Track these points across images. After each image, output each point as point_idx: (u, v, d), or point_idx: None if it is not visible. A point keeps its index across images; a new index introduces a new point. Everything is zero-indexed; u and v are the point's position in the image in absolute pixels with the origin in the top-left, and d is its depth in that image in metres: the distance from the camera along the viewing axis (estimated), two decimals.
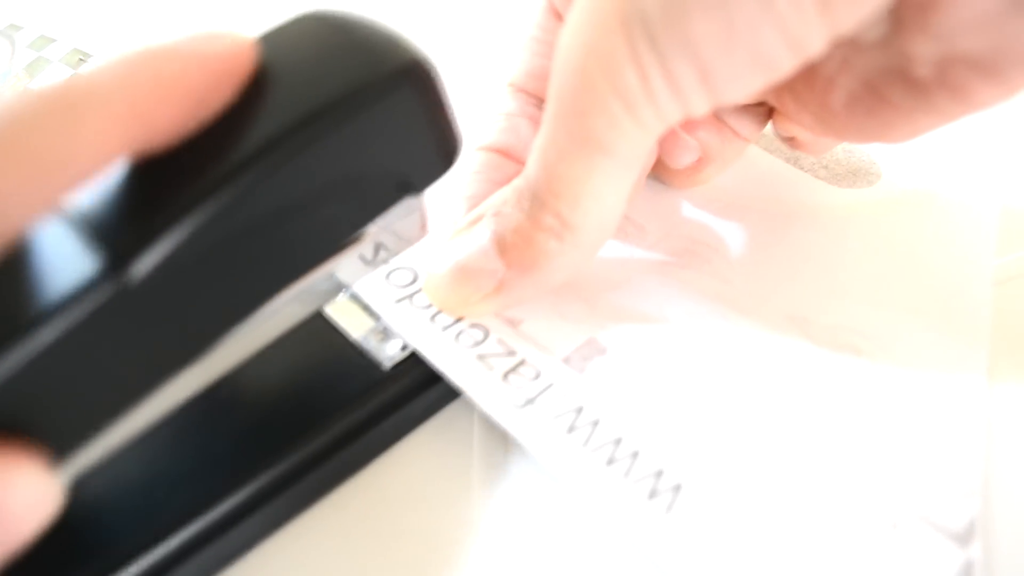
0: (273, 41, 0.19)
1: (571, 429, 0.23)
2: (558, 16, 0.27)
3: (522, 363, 0.24)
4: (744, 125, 0.27)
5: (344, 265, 0.23)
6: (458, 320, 0.25)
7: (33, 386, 0.16)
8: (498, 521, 0.23)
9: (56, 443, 0.17)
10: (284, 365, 0.25)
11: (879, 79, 0.21)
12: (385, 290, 0.26)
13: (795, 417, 0.23)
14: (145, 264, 0.16)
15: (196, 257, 0.17)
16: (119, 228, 0.16)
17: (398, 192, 0.21)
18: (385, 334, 0.25)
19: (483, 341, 0.25)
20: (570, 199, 0.22)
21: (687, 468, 0.22)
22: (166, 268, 0.16)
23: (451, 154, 0.21)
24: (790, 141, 0.28)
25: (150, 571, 0.21)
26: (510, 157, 0.27)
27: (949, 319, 0.26)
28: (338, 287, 0.26)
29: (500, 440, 0.24)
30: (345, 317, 0.26)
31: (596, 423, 0.23)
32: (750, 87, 0.20)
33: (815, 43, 0.19)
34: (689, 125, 0.26)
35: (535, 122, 0.27)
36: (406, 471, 0.24)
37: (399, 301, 0.26)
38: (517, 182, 0.24)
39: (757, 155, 0.31)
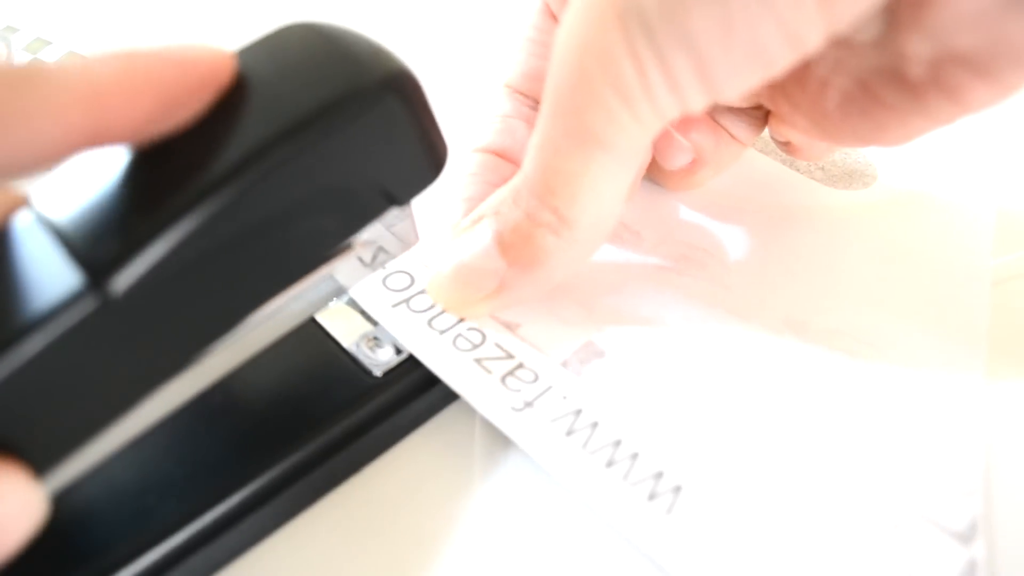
0: (256, 52, 0.19)
1: (570, 432, 0.23)
2: (554, 17, 0.27)
3: (520, 366, 0.24)
4: (740, 129, 0.27)
5: (342, 269, 0.23)
6: (455, 324, 0.25)
7: (14, 400, 0.16)
8: (498, 522, 0.23)
9: (40, 456, 0.17)
10: (276, 371, 0.24)
11: (873, 79, 0.21)
12: (381, 295, 0.26)
13: (794, 418, 0.23)
14: (126, 278, 0.16)
15: (179, 270, 0.17)
16: (100, 241, 0.16)
17: (384, 203, 0.21)
18: (377, 340, 0.25)
19: (481, 344, 0.25)
20: (567, 195, 0.22)
21: (687, 469, 0.22)
22: (147, 282, 0.16)
23: (437, 165, 0.21)
24: (786, 146, 0.28)
25: (148, 572, 0.21)
26: (506, 158, 0.27)
27: (947, 320, 0.26)
28: (335, 291, 0.26)
29: (500, 442, 0.24)
30: (337, 323, 0.26)
31: (595, 425, 0.23)
32: (747, 83, 0.20)
33: (813, 39, 0.19)
34: (683, 126, 0.26)
35: (531, 123, 0.27)
36: (406, 472, 0.24)
37: (395, 305, 0.26)
38: (515, 181, 0.24)
39: (753, 157, 0.31)
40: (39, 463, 0.17)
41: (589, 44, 0.20)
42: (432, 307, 0.25)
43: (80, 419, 0.17)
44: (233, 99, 0.18)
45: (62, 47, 0.38)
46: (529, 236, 0.23)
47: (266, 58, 0.19)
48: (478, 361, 0.24)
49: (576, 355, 0.24)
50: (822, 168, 0.31)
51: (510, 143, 0.27)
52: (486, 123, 0.28)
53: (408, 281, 0.26)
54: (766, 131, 0.28)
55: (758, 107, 0.26)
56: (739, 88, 0.20)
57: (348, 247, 0.21)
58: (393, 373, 0.24)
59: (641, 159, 0.22)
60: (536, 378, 0.24)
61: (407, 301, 0.26)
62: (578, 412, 0.23)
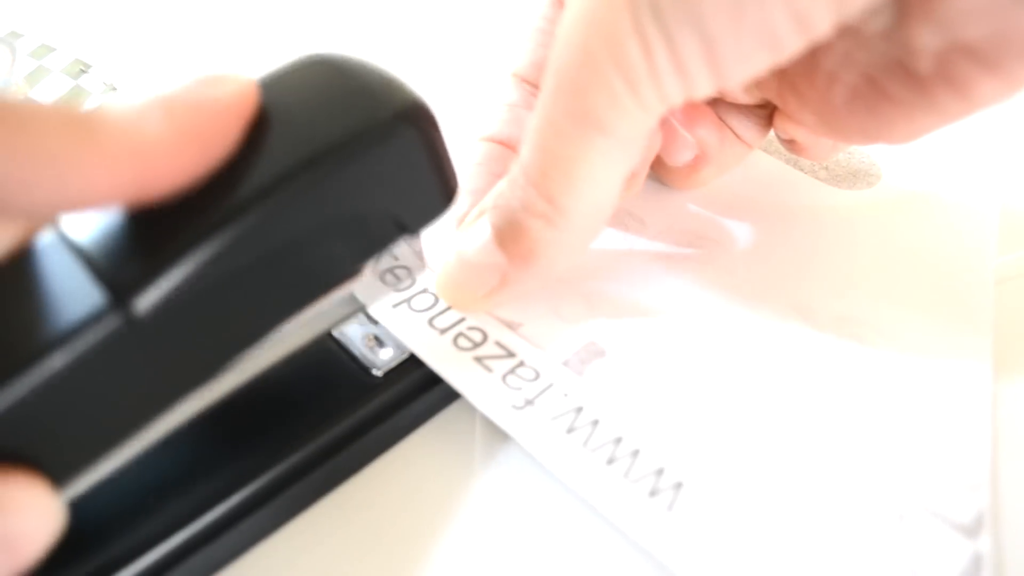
0: (276, 83, 0.19)
1: (571, 429, 0.22)
2: (563, 6, 0.27)
3: (521, 364, 0.24)
4: (745, 128, 0.27)
5: (363, 288, 0.23)
6: (456, 323, 0.25)
7: (38, 415, 0.16)
8: (498, 522, 0.22)
9: (60, 469, 0.17)
10: (277, 371, 0.25)
11: (881, 73, 0.21)
12: (382, 294, 0.26)
13: (798, 411, 0.23)
14: (149, 298, 0.16)
15: (199, 292, 0.17)
16: (123, 263, 0.17)
17: (396, 232, 0.21)
18: (378, 340, 0.25)
19: (482, 343, 0.24)
20: (563, 180, 0.22)
21: (688, 465, 0.22)
22: (169, 303, 0.17)
23: (448, 196, 0.21)
24: (791, 144, 0.27)
25: (147, 572, 0.21)
26: (513, 148, 0.27)
27: (953, 314, 0.25)
28: (347, 305, 0.26)
29: (501, 441, 0.24)
30: (338, 323, 0.26)
31: (596, 423, 0.23)
32: (754, 68, 0.20)
33: (822, 24, 0.19)
34: (689, 122, 0.26)
35: None
36: (407, 472, 0.24)
37: (396, 305, 0.26)
38: (511, 170, 0.23)
39: (757, 157, 0.31)
40: (59, 476, 0.17)
41: (595, 24, 0.20)
42: (433, 306, 0.25)
43: (100, 434, 0.18)
44: (255, 129, 0.18)
45: (67, 54, 0.39)
46: (524, 229, 0.23)
47: (285, 89, 0.19)
48: (479, 360, 0.24)
49: (577, 355, 0.24)
50: (826, 168, 0.31)
51: (517, 132, 0.27)
52: (493, 112, 0.27)
53: (409, 281, 0.26)
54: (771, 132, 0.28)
55: (764, 106, 0.26)
56: (745, 73, 0.20)
57: (357, 272, 0.21)
58: (394, 373, 0.24)
59: (640, 148, 0.22)
60: (537, 376, 0.24)
61: (408, 301, 0.26)
62: (579, 410, 0.23)
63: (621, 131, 0.21)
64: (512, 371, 0.24)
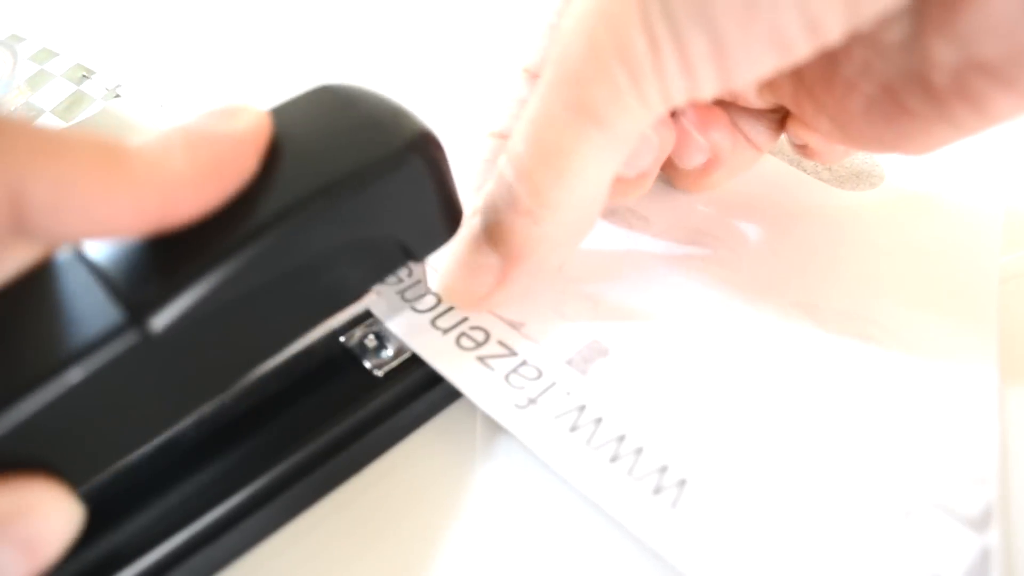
0: (288, 113, 0.20)
1: (574, 428, 0.22)
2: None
3: (523, 363, 0.24)
4: (758, 133, 0.27)
5: (380, 304, 0.24)
6: (459, 323, 0.25)
7: (57, 425, 0.17)
8: (500, 521, 0.22)
9: (79, 475, 0.18)
10: (278, 371, 0.24)
11: (899, 85, 0.21)
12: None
13: (802, 407, 0.23)
14: (164, 318, 0.17)
15: (214, 311, 0.18)
16: (140, 282, 0.17)
17: (403, 257, 0.22)
18: (379, 341, 0.25)
19: (484, 343, 0.24)
20: (553, 172, 0.21)
21: (691, 462, 0.22)
22: (184, 321, 0.17)
23: (453, 225, 0.22)
24: (802, 149, 0.27)
25: (148, 572, 0.21)
26: None
27: (957, 312, 0.25)
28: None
29: (502, 440, 0.24)
30: (339, 323, 0.26)
31: (599, 421, 0.22)
32: (762, 68, 0.19)
33: (833, 28, 0.18)
34: (702, 125, 0.26)
35: None
36: (407, 472, 0.24)
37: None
38: (499, 165, 0.23)
39: (763, 158, 0.31)
40: (77, 481, 0.17)
41: (602, 16, 0.19)
42: (435, 307, 0.25)
43: (116, 442, 0.19)
44: (269, 158, 0.19)
45: (68, 59, 0.39)
46: (510, 227, 0.22)
47: (296, 120, 0.20)
48: (481, 359, 0.24)
49: (580, 353, 0.24)
50: (829, 169, 0.31)
51: None
52: (501, 107, 0.27)
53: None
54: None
55: (776, 110, 0.26)
56: (752, 74, 0.19)
57: (364, 294, 0.22)
58: (395, 373, 0.24)
59: (631, 148, 0.22)
60: (539, 375, 0.24)
61: (412, 302, 0.26)
62: (582, 408, 0.23)
63: (618, 127, 0.21)
64: (515, 370, 0.24)
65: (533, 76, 0.27)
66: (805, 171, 0.31)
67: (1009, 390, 0.24)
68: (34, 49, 0.39)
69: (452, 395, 0.25)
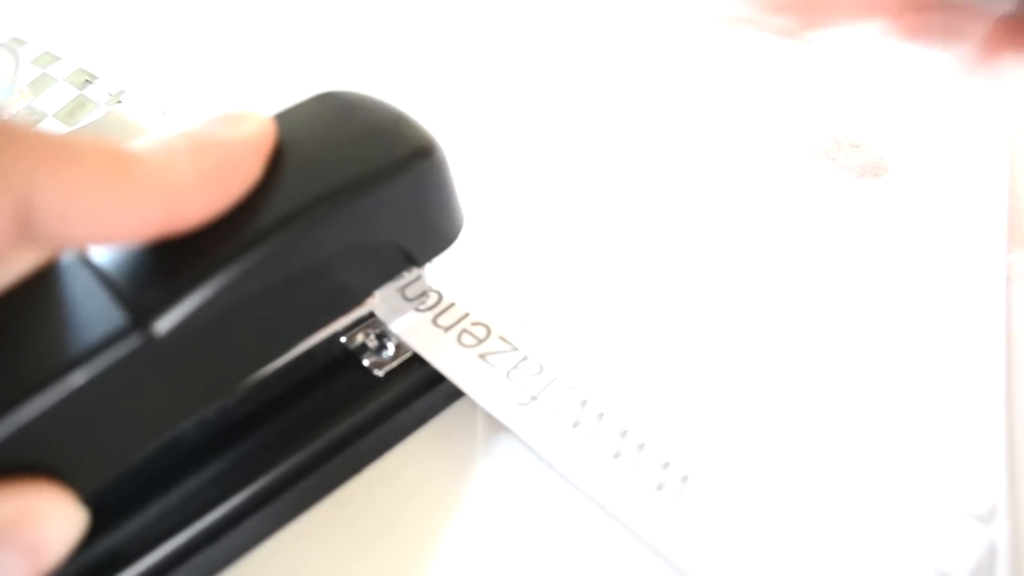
0: (291, 119, 0.20)
1: (576, 424, 0.22)
2: None
3: (524, 359, 0.24)
4: None
5: (383, 306, 0.24)
6: (460, 320, 0.25)
7: (61, 429, 0.17)
8: (501, 521, 0.22)
9: (83, 479, 0.18)
10: (280, 371, 0.24)
11: None
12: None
13: (807, 401, 0.23)
14: (168, 322, 0.17)
15: (218, 315, 0.18)
16: (144, 286, 0.17)
17: (404, 263, 0.22)
18: (380, 340, 0.25)
19: (485, 339, 0.24)
20: None
21: (694, 458, 0.21)
22: (188, 325, 0.17)
23: (455, 231, 0.22)
24: None
25: (149, 572, 0.21)
26: None
27: (964, 306, 0.25)
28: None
29: (503, 439, 0.24)
30: (340, 323, 0.25)
31: (601, 416, 0.22)
32: None
33: None
34: None
35: None
36: (408, 472, 0.24)
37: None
38: None
39: (763, 145, 0.31)
40: (81, 484, 0.17)
41: None
42: (436, 304, 0.25)
43: (120, 445, 0.18)
44: (273, 164, 0.19)
45: (71, 63, 0.39)
46: None
47: (300, 126, 0.20)
48: (483, 356, 0.24)
49: (581, 348, 0.24)
50: (834, 159, 0.31)
51: None
52: None
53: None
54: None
55: None
56: None
57: (364, 299, 0.23)
58: (395, 372, 0.24)
59: None
60: (541, 370, 0.23)
61: (411, 300, 0.25)
62: (584, 403, 0.23)
63: None
64: (516, 366, 0.24)
65: None
66: (809, 160, 0.30)
67: (1016, 386, 0.23)
68: (36, 53, 0.39)
69: (453, 395, 0.25)
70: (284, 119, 0.20)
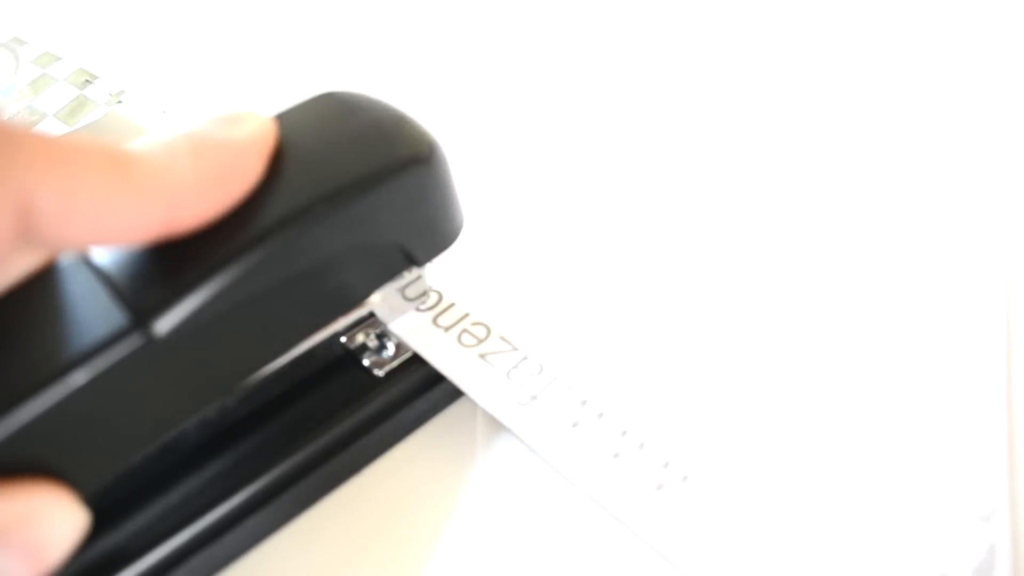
0: (291, 120, 0.20)
1: (576, 424, 0.22)
2: None
3: (525, 359, 0.24)
4: None
5: (383, 306, 0.24)
6: (460, 319, 0.25)
7: (62, 429, 0.17)
8: (501, 520, 0.22)
9: (84, 479, 0.18)
10: (280, 371, 0.24)
11: None
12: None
13: (808, 401, 0.23)
14: (168, 322, 0.17)
15: (218, 315, 0.18)
16: (145, 286, 0.17)
17: (404, 263, 0.22)
18: (380, 340, 0.25)
19: (486, 339, 0.24)
20: None
21: (694, 458, 0.21)
22: (187, 326, 0.17)
23: (455, 232, 0.23)
24: None
25: (149, 572, 0.21)
26: None
27: (964, 309, 0.25)
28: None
29: (503, 439, 0.24)
30: (340, 323, 0.25)
31: (601, 416, 0.22)
32: None
33: None
34: None
35: None
36: (408, 472, 0.24)
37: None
38: None
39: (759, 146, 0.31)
40: (82, 485, 0.17)
41: None
42: (436, 304, 0.25)
43: (121, 445, 0.18)
44: (273, 164, 0.19)
45: (71, 63, 0.39)
46: None
47: (301, 126, 0.20)
48: (483, 356, 0.24)
49: (581, 348, 0.24)
50: (834, 159, 0.31)
51: None
52: None
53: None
54: None
55: None
56: None
57: (365, 299, 0.23)
58: (395, 372, 0.24)
59: None
60: (541, 370, 0.23)
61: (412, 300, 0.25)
62: (584, 402, 0.23)
63: None
64: (516, 366, 0.24)
65: None
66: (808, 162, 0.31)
67: (1016, 387, 0.23)
68: (37, 53, 0.39)
69: (453, 394, 0.25)
70: (284, 119, 0.20)
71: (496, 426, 0.24)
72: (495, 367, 0.24)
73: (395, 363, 0.24)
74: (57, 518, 0.17)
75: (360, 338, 0.25)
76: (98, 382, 0.16)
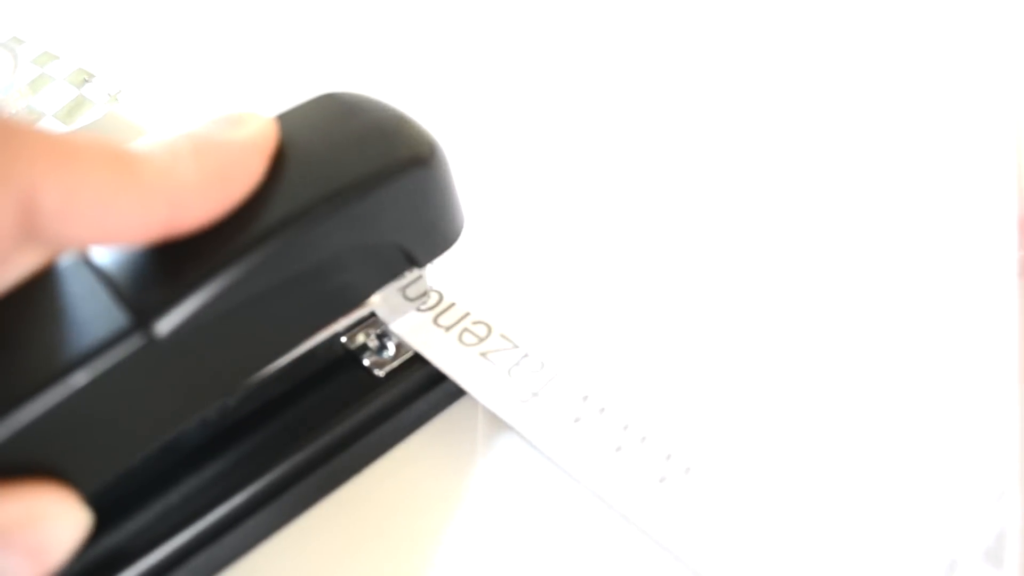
0: (292, 121, 0.20)
1: (577, 419, 0.22)
2: None
3: (525, 356, 0.24)
4: None
5: (384, 306, 0.24)
6: (461, 319, 0.25)
7: (63, 429, 0.17)
8: (502, 520, 0.22)
9: (86, 480, 0.18)
10: (280, 371, 0.24)
11: None
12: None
13: (811, 393, 0.23)
14: (169, 322, 0.17)
15: (219, 315, 0.18)
16: (146, 287, 0.18)
17: (405, 264, 0.22)
18: (381, 340, 0.25)
19: (487, 337, 0.24)
20: None
21: (696, 451, 0.21)
22: (188, 327, 0.17)
23: (456, 232, 0.23)
24: None
25: (151, 571, 0.21)
26: None
27: (976, 299, 0.25)
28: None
29: (504, 438, 0.24)
30: (340, 323, 0.25)
31: (602, 410, 0.22)
32: None
33: None
34: None
35: None
36: (409, 472, 0.24)
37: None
38: None
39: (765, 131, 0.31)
40: (84, 486, 0.17)
41: None
42: (437, 304, 0.25)
43: (122, 446, 0.18)
44: (275, 165, 0.19)
45: (70, 63, 0.39)
46: None
47: (302, 127, 0.20)
48: (483, 354, 0.24)
49: (581, 343, 0.24)
50: (843, 153, 0.30)
51: None
52: None
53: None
54: None
55: None
56: None
57: (365, 300, 0.23)
58: (396, 372, 0.24)
59: None
60: (542, 366, 0.23)
61: (412, 300, 0.25)
62: (585, 398, 0.23)
63: None
64: (517, 363, 0.24)
65: None
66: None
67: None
68: (35, 52, 0.39)
69: (454, 394, 0.25)
70: (286, 120, 0.20)
71: (497, 425, 0.24)
72: (496, 365, 0.24)
73: (396, 363, 0.24)
74: (59, 518, 0.17)
75: (361, 338, 0.25)
76: (99, 383, 0.16)
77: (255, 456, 0.22)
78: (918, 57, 0.35)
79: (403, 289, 0.24)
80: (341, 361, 0.24)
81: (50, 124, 0.36)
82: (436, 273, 0.26)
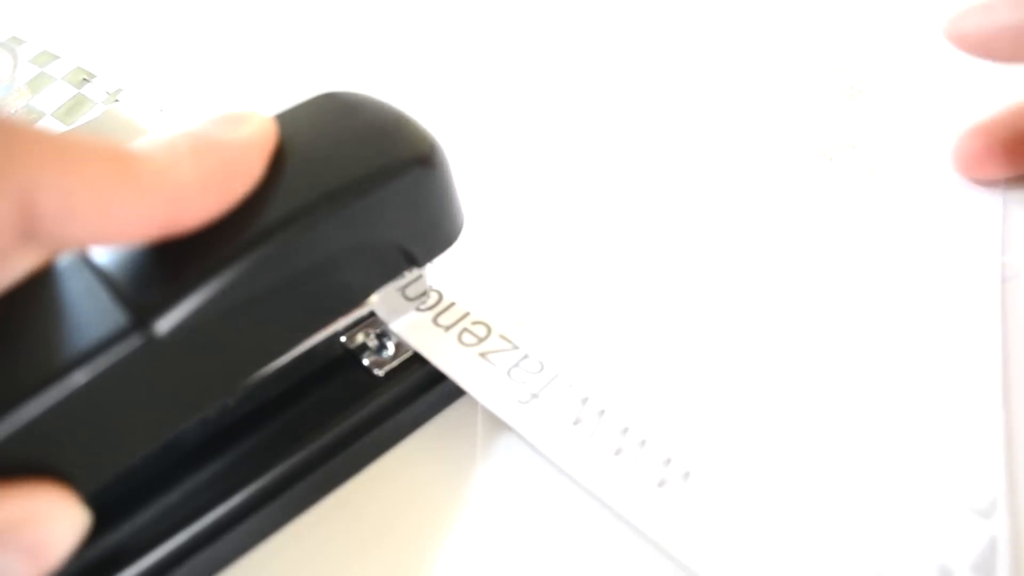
0: (292, 120, 0.20)
1: (577, 421, 0.22)
2: None
3: (525, 357, 0.24)
4: None
5: (383, 306, 0.24)
6: (461, 319, 0.25)
7: (63, 429, 0.17)
8: (502, 520, 0.22)
9: (85, 479, 0.18)
10: (280, 370, 0.24)
11: None
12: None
13: (808, 398, 0.23)
14: (168, 322, 0.17)
15: (217, 316, 0.18)
16: (145, 286, 0.17)
17: (405, 264, 0.22)
18: (380, 340, 0.25)
19: (486, 338, 0.24)
20: None
21: (696, 454, 0.21)
22: (188, 326, 0.17)
23: (455, 232, 0.23)
24: None
25: (151, 570, 0.21)
26: None
27: (961, 306, 0.25)
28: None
29: (503, 438, 0.24)
30: (340, 322, 0.25)
31: (602, 413, 0.22)
32: None
33: None
34: None
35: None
36: (408, 471, 0.24)
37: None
38: None
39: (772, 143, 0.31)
40: (84, 486, 0.17)
41: None
42: (437, 304, 0.25)
43: (122, 445, 0.18)
44: (274, 164, 0.19)
45: (69, 62, 0.39)
46: None
47: (302, 127, 0.20)
48: (483, 355, 0.24)
49: (581, 345, 0.24)
50: (831, 159, 0.31)
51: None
52: None
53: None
54: None
55: None
56: None
57: (365, 300, 0.23)
58: (395, 372, 0.24)
59: None
60: (542, 368, 0.23)
61: (412, 300, 0.25)
62: (585, 400, 0.23)
63: None
64: (516, 364, 0.24)
65: None
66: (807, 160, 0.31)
67: (1012, 382, 0.23)
68: (35, 52, 0.39)
69: (453, 394, 0.25)
70: (285, 119, 0.20)
71: (496, 425, 0.24)
72: (496, 366, 0.24)
73: (395, 363, 0.24)
74: (58, 518, 0.17)
75: (360, 338, 0.25)
76: (98, 382, 0.16)
77: (255, 455, 0.22)
78: (911, 60, 0.35)
79: (403, 289, 0.24)
80: (341, 361, 0.24)
81: (49, 123, 0.36)
82: (436, 273, 0.26)
